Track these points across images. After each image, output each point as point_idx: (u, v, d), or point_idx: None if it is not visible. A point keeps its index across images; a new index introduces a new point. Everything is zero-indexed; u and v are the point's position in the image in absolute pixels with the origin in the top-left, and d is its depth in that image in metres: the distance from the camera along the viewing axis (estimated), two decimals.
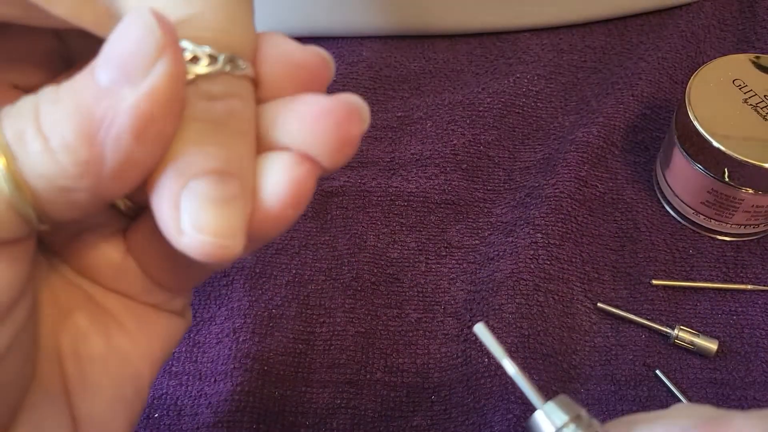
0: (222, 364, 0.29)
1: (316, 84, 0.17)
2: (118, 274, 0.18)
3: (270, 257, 0.31)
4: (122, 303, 0.18)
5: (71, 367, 0.17)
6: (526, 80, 0.37)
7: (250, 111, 0.16)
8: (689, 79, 0.31)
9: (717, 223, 0.31)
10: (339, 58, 0.39)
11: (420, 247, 0.32)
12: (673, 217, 0.33)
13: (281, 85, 0.17)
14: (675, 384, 0.28)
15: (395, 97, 0.37)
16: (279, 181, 0.16)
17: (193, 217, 0.15)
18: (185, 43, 0.15)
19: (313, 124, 0.16)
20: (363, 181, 0.34)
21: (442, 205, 0.33)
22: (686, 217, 0.32)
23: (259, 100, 0.17)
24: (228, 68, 0.16)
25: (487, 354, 0.29)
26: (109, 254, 0.18)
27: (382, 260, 0.31)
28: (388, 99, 0.37)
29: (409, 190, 0.34)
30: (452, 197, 0.33)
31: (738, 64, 0.31)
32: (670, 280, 0.31)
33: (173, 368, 0.29)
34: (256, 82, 0.17)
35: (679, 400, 0.28)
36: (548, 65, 0.38)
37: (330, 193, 0.34)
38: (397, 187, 0.34)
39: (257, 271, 0.31)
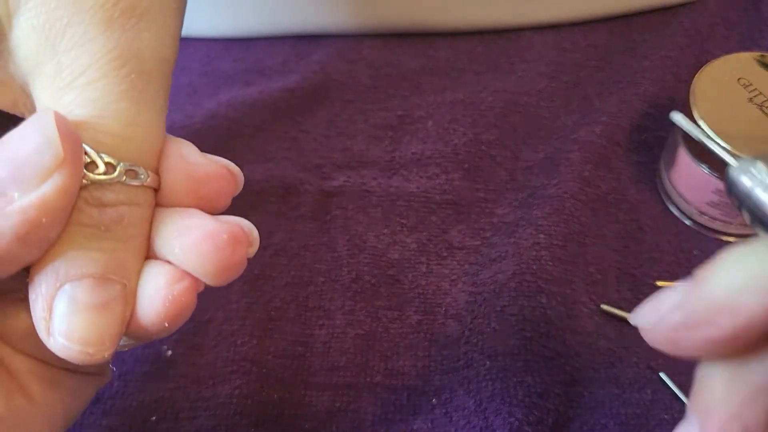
0: (220, 367, 0.28)
1: (216, 200, 0.18)
2: (26, 337, 0.18)
3: (268, 258, 0.31)
4: (30, 365, 0.18)
5: None
6: (528, 79, 0.37)
7: (141, 218, 0.17)
8: (693, 77, 0.30)
9: (722, 223, 0.31)
10: (339, 56, 0.39)
11: (421, 248, 0.32)
12: (677, 217, 0.32)
13: (181, 196, 0.18)
14: (679, 387, 0.28)
15: (396, 96, 0.37)
16: (156, 296, 0.17)
17: (62, 322, 0.16)
18: (87, 149, 0.16)
19: (195, 247, 0.17)
20: (363, 181, 0.34)
21: (443, 206, 0.33)
22: (691, 218, 0.32)
23: (158, 204, 0.18)
24: (124, 178, 0.16)
25: (489, 356, 0.28)
26: (17, 318, 0.18)
27: (383, 261, 0.31)
28: (389, 98, 0.37)
29: (409, 190, 0.33)
30: (453, 197, 0.33)
31: (743, 63, 0.31)
32: (674, 281, 0.30)
33: (170, 372, 0.29)
34: (156, 188, 0.17)
35: (684, 404, 0.27)
36: (551, 64, 0.38)
37: (329, 194, 0.33)
38: (397, 187, 0.33)
39: (256, 272, 0.31)
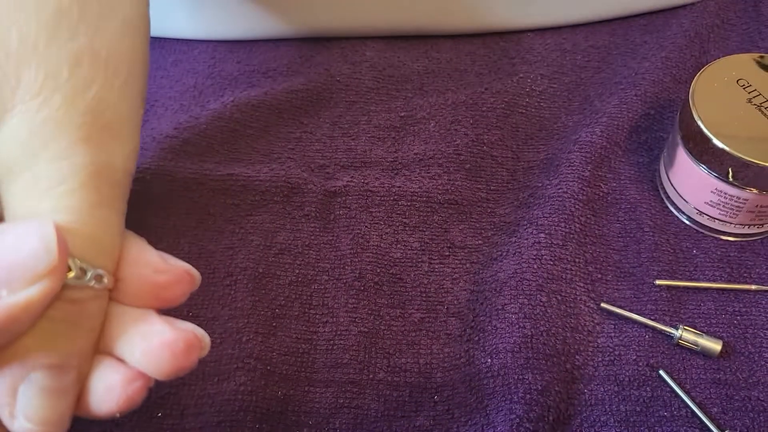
0: (225, 363, 0.29)
1: (174, 301, 0.20)
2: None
3: (273, 257, 0.32)
4: None
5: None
6: (529, 80, 0.37)
7: (101, 313, 0.19)
8: (693, 78, 0.31)
9: (721, 223, 0.31)
10: (342, 58, 0.39)
11: (423, 247, 0.32)
12: (676, 217, 0.33)
13: (142, 299, 0.19)
14: (679, 384, 0.28)
15: (398, 97, 0.37)
16: (111, 393, 0.18)
17: (26, 405, 0.17)
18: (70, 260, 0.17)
19: (153, 353, 0.18)
20: (366, 181, 0.34)
21: (445, 205, 0.33)
22: (690, 217, 0.32)
23: (118, 300, 0.19)
24: (93, 282, 0.18)
25: (491, 354, 0.29)
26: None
27: (385, 260, 0.31)
28: (391, 99, 0.37)
29: (412, 190, 0.34)
30: (455, 197, 0.33)
31: (742, 64, 0.31)
32: (673, 280, 0.31)
33: None
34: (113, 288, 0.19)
35: (684, 402, 0.28)
36: (552, 65, 0.38)
37: (333, 193, 0.34)
38: (400, 187, 0.34)
39: (260, 271, 0.31)
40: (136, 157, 0.21)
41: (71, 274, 0.17)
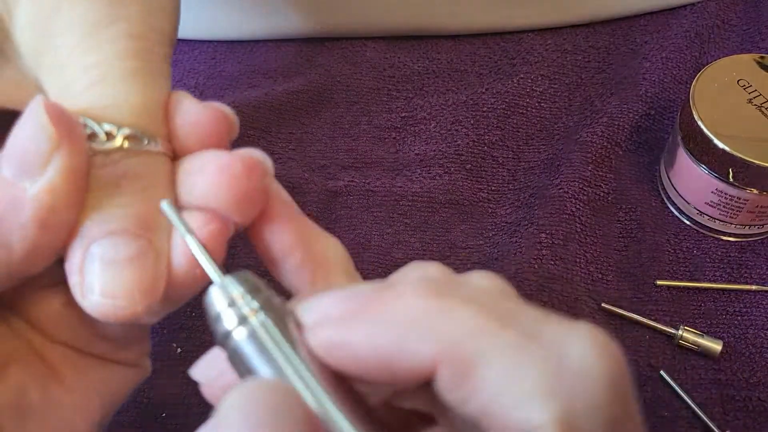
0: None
1: (214, 138, 0.18)
2: (58, 324, 0.18)
3: None
4: (63, 354, 0.18)
5: (8, 420, 0.17)
6: (530, 80, 0.37)
7: (150, 170, 0.17)
8: (693, 79, 0.31)
9: (721, 223, 0.31)
10: (343, 58, 0.39)
11: (424, 248, 0.32)
12: (677, 217, 0.33)
13: (185, 142, 0.18)
14: (679, 385, 0.28)
15: (399, 98, 0.37)
16: (184, 243, 0.17)
17: (92, 279, 0.16)
18: (86, 120, 0.16)
19: (212, 180, 0.17)
20: (367, 181, 0.34)
21: (446, 206, 0.33)
22: (690, 218, 0.32)
23: (176, 157, 0.18)
24: (126, 144, 0.17)
25: None
26: (49, 304, 0.18)
27: (387, 260, 0.32)
28: (392, 99, 0.37)
29: (413, 191, 0.34)
30: (456, 197, 0.33)
31: (742, 65, 0.31)
32: (674, 280, 0.31)
33: (180, 368, 0.29)
34: (169, 145, 0.18)
35: (685, 402, 0.28)
36: (552, 65, 0.38)
37: (334, 193, 0.34)
38: (401, 187, 0.34)
39: (262, 270, 0.31)
40: (168, 18, 0.19)
41: (99, 139, 0.16)
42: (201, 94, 0.38)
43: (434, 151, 0.35)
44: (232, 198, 0.17)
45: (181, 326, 0.30)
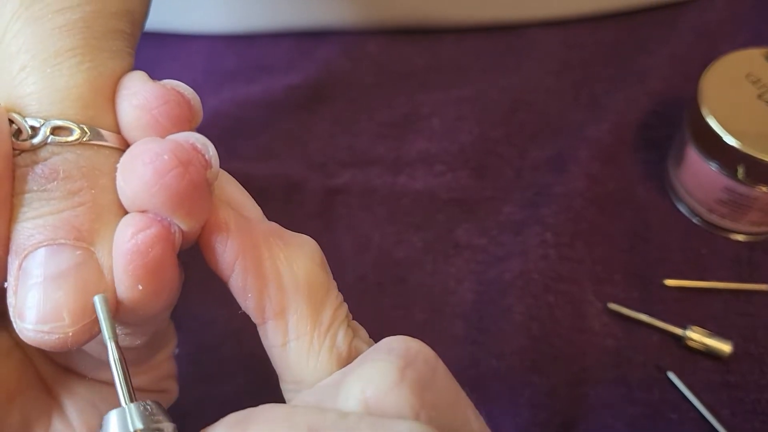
0: (226, 364, 0.28)
1: (167, 125, 0.15)
2: (66, 352, 0.16)
3: None
4: (70, 387, 0.17)
5: None
6: (535, 76, 0.37)
7: (82, 169, 0.14)
8: (702, 74, 0.30)
9: (731, 222, 0.31)
10: (343, 53, 0.38)
11: (427, 247, 0.31)
12: (685, 215, 0.32)
13: (130, 130, 0.15)
14: (688, 387, 0.27)
15: (401, 94, 0.37)
16: (120, 251, 0.14)
17: (19, 302, 0.14)
18: (12, 116, 0.14)
19: (136, 176, 0.14)
20: (368, 179, 0.33)
21: (450, 204, 0.33)
22: (699, 216, 0.32)
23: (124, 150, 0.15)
24: (51, 138, 0.14)
25: (496, 356, 0.28)
26: None
27: (388, 260, 0.31)
28: (394, 95, 0.37)
29: (415, 188, 0.33)
30: (460, 195, 0.33)
31: (751, 59, 0.31)
32: (682, 280, 0.30)
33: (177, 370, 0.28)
34: (118, 137, 0.15)
35: (693, 405, 0.27)
36: (557, 61, 0.37)
37: (334, 191, 0.33)
38: (403, 185, 0.33)
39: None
40: None
41: (23, 136, 0.14)
42: (198, 90, 0.37)
43: (437, 148, 0.34)
44: (163, 197, 0.14)
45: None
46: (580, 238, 0.31)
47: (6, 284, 0.14)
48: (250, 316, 0.16)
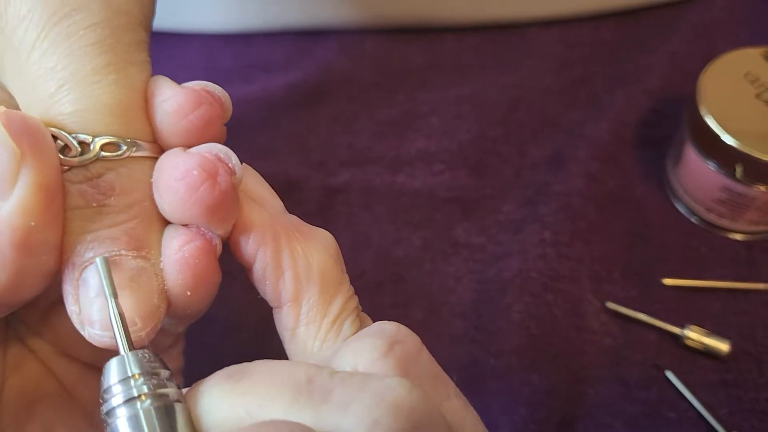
0: (224, 363, 0.28)
1: (203, 130, 0.16)
2: (81, 343, 0.17)
3: None
4: (93, 389, 0.18)
5: None
6: (534, 75, 0.37)
7: (135, 183, 0.16)
8: (701, 73, 0.30)
9: (729, 221, 0.31)
10: (342, 51, 0.38)
11: (426, 246, 0.31)
12: (683, 215, 0.32)
13: (166, 138, 0.16)
14: (686, 386, 0.27)
15: (400, 92, 0.37)
16: (169, 262, 0.15)
17: (87, 310, 0.15)
18: (57, 131, 0.15)
19: (171, 193, 0.15)
20: (367, 177, 0.33)
21: (449, 203, 0.33)
22: (697, 215, 0.32)
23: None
24: (102, 154, 0.15)
25: (495, 355, 0.28)
26: (60, 320, 0.17)
27: (387, 259, 0.31)
28: (393, 94, 0.37)
29: (414, 187, 0.33)
30: (459, 194, 0.33)
31: (750, 59, 0.31)
32: (680, 279, 0.30)
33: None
34: (155, 145, 0.16)
35: (691, 403, 0.27)
36: (557, 59, 0.37)
37: (333, 190, 0.33)
38: (402, 183, 0.33)
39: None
40: (138, 1, 0.17)
41: (73, 153, 0.15)
42: None
43: (436, 146, 0.34)
44: (198, 210, 0.15)
45: None
46: (578, 237, 0.31)
47: (63, 294, 0.15)
48: (268, 301, 0.18)
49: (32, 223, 0.14)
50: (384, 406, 0.13)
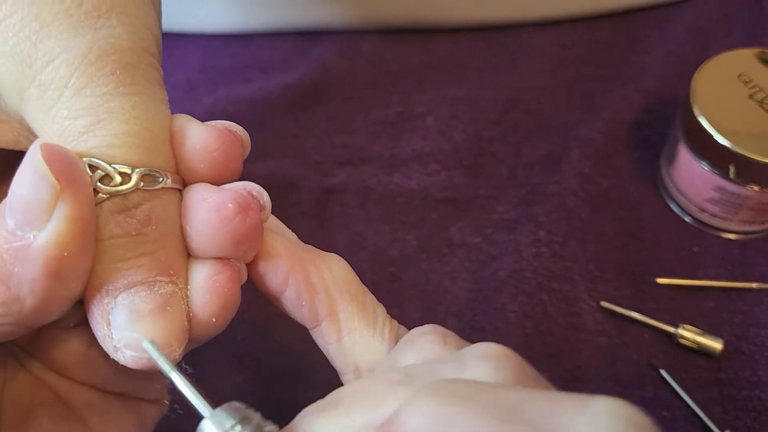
0: (221, 363, 0.28)
1: (224, 166, 0.17)
2: (82, 364, 0.18)
3: None
4: (88, 398, 0.18)
5: None
6: (529, 75, 0.37)
7: (169, 213, 0.17)
8: (694, 74, 0.30)
9: (722, 220, 0.31)
10: (339, 52, 0.38)
11: (421, 245, 0.32)
12: (677, 214, 0.32)
13: (194, 171, 0.17)
14: (680, 384, 0.28)
15: (396, 92, 0.37)
16: (199, 291, 0.16)
17: (124, 333, 0.16)
18: (97, 162, 0.16)
19: (204, 224, 0.16)
20: (363, 178, 0.33)
21: (444, 203, 0.33)
22: (691, 215, 0.32)
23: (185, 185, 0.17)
24: (141, 184, 0.16)
25: None
26: (72, 345, 0.18)
27: (383, 258, 0.31)
28: (389, 94, 0.37)
29: (410, 187, 0.33)
30: (454, 194, 0.33)
31: (743, 60, 0.31)
32: (674, 278, 0.30)
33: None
34: (179, 177, 0.17)
35: (685, 402, 0.27)
36: (552, 60, 0.37)
37: (329, 190, 0.33)
38: (397, 183, 0.33)
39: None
40: (155, 36, 0.18)
41: (114, 182, 0.16)
42: (193, 89, 0.37)
43: (431, 147, 0.34)
44: (226, 241, 0.16)
45: None
46: (573, 237, 0.31)
47: (92, 319, 0.16)
48: (304, 322, 0.19)
49: (65, 253, 0.15)
50: (494, 356, 0.15)
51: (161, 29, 0.19)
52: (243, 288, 0.30)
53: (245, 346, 0.28)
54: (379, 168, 0.34)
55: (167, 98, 0.18)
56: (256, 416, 0.16)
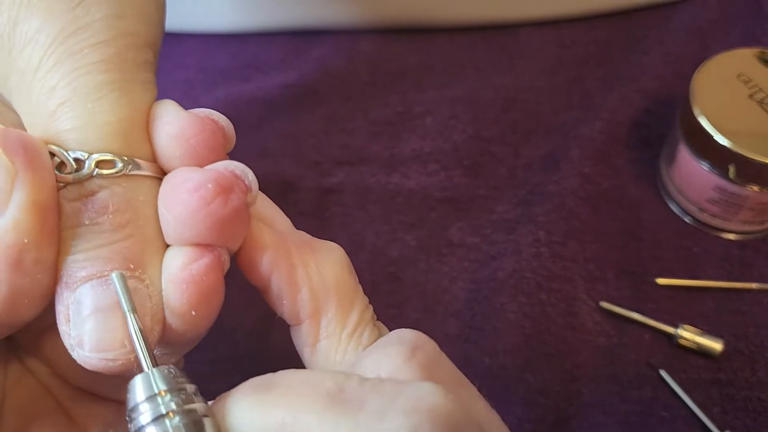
0: (220, 363, 0.28)
1: (204, 156, 0.16)
2: (76, 367, 0.17)
3: None
4: (89, 409, 0.18)
5: None
6: (528, 75, 0.37)
7: (130, 202, 0.15)
8: (693, 74, 0.30)
9: (722, 220, 0.31)
10: (337, 51, 0.38)
11: (420, 245, 0.31)
12: (677, 214, 0.32)
13: (168, 160, 0.16)
14: (679, 384, 0.28)
15: (394, 92, 0.37)
16: (174, 281, 0.15)
17: (79, 331, 0.15)
18: (52, 147, 0.15)
19: (183, 207, 0.15)
20: (362, 178, 0.33)
21: (443, 203, 0.33)
22: (691, 215, 0.32)
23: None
24: (96, 171, 0.15)
25: (489, 354, 0.28)
26: (57, 344, 0.17)
27: (382, 259, 0.31)
28: (387, 94, 0.37)
29: (409, 187, 0.33)
30: (453, 194, 0.33)
31: (743, 59, 0.31)
32: (674, 278, 0.30)
33: None
34: (155, 165, 0.16)
35: (684, 402, 0.27)
36: (551, 60, 0.37)
37: (328, 190, 0.33)
38: (396, 183, 0.33)
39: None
40: (142, 18, 0.17)
41: (67, 169, 0.15)
42: (191, 89, 0.37)
43: (430, 147, 0.34)
44: (208, 225, 0.15)
45: None
46: (572, 237, 0.31)
47: (56, 314, 0.15)
48: (285, 319, 0.17)
49: (25, 240, 0.14)
50: (421, 412, 0.13)
51: (163, 11, 0.18)
52: (243, 287, 0.30)
53: (243, 347, 0.28)
54: (378, 168, 0.34)
55: (153, 81, 0.17)
56: (191, 387, 0.15)
